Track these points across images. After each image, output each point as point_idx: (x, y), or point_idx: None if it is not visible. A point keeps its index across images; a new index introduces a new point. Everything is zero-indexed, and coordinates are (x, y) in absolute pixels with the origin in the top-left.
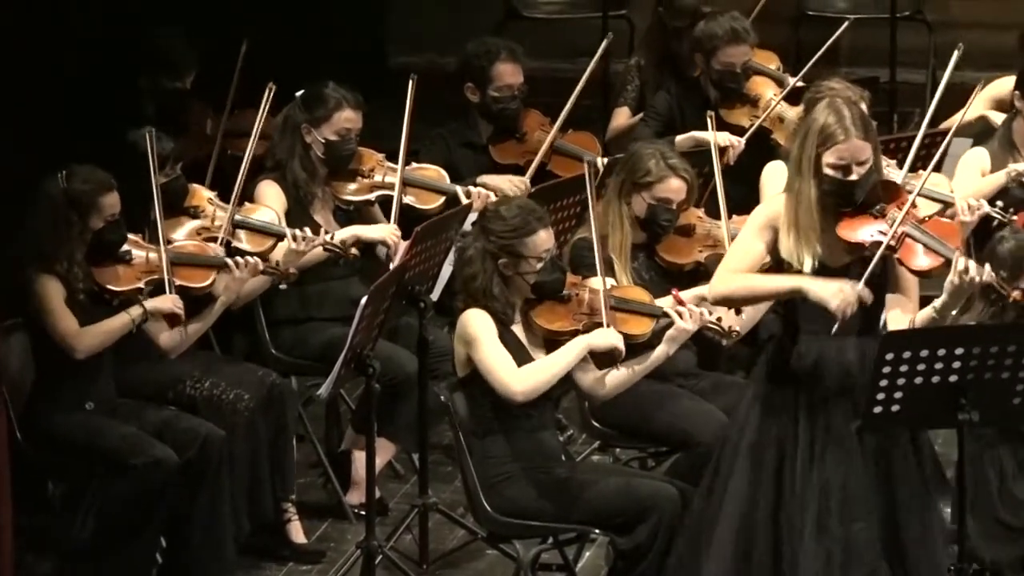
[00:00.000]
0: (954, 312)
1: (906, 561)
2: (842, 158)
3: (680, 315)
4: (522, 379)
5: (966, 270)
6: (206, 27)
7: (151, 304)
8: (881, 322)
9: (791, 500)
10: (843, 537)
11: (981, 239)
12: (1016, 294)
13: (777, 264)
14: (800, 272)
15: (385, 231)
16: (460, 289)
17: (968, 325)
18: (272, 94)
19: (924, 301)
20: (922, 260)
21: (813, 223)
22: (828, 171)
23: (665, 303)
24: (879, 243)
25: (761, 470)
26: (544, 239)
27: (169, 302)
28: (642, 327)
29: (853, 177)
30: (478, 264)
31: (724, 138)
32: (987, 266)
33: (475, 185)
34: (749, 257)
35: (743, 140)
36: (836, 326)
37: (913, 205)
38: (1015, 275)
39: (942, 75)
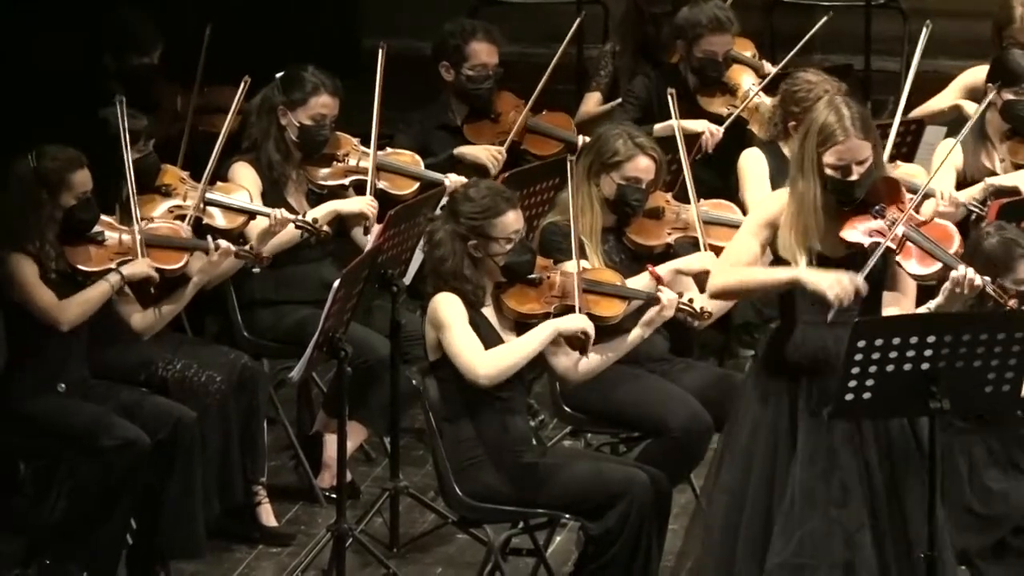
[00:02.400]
0: None
1: (909, 541)
2: (842, 159)
3: (661, 300)
4: (488, 362)
5: (965, 280)
6: (175, 5)
7: (127, 269)
8: None
9: (780, 493)
10: (831, 523)
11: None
12: (1012, 303)
13: (776, 260)
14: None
15: (362, 203)
16: (429, 273)
17: (940, 313)
18: (247, 87)
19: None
20: (922, 267)
21: (816, 222)
22: (828, 171)
23: (642, 280)
24: (877, 244)
25: (753, 466)
26: (513, 220)
27: (144, 266)
28: (614, 309)
29: (853, 177)
30: (448, 247)
31: (703, 125)
32: (985, 276)
33: (452, 157)
34: (746, 254)
35: (722, 129)
36: (832, 313)
37: (914, 209)
38: (1006, 268)
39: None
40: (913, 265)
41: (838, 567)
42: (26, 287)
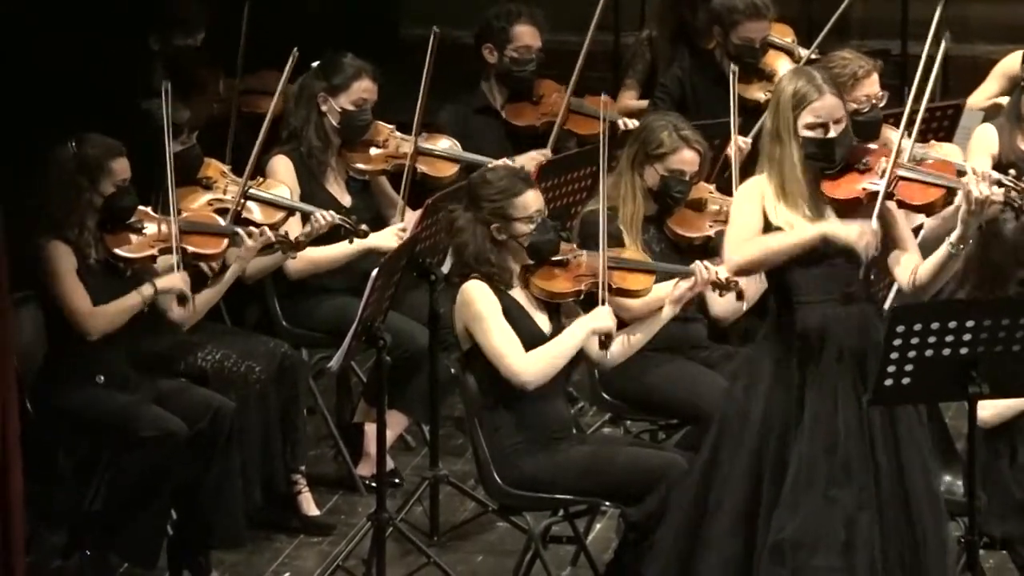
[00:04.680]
0: (969, 243)
1: (914, 525)
2: (819, 116)
3: (697, 272)
4: (531, 367)
5: (978, 195)
6: None
7: (161, 283)
8: (891, 296)
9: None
10: (831, 502)
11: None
12: None
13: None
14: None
15: (392, 239)
16: (455, 261)
17: (979, 299)
18: (296, 60)
19: None
20: (923, 194)
21: (801, 188)
22: (806, 132)
23: (666, 288)
24: (875, 193)
25: (768, 446)
26: (533, 199)
27: (179, 280)
28: (643, 282)
29: (832, 134)
30: (469, 232)
31: (733, 145)
32: (994, 181)
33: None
34: (754, 223)
35: (749, 139)
36: (862, 269)
37: (899, 152)
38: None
39: (953, 47)
40: (916, 197)
41: (835, 547)
42: (62, 285)
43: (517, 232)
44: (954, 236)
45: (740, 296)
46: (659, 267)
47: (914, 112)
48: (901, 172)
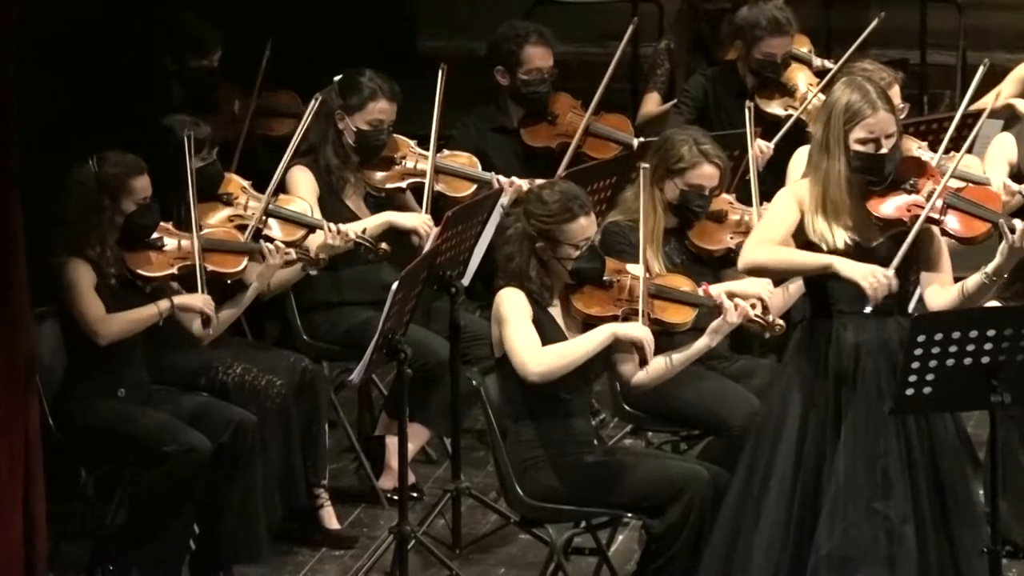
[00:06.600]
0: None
1: (951, 535)
2: (872, 132)
3: (727, 308)
4: (541, 359)
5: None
6: (235, 8)
7: (180, 300)
8: (914, 300)
9: (830, 482)
10: (874, 515)
11: None
12: None
13: (805, 247)
14: (832, 252)
15: (418, 220)
16: (499, 266)
17: (1000, 307)
18: (318, 104)
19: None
20: (968, 227)
21: (844, 202)
22: (857, 147)
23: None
24: (918, 216)
25: (803, 457)
26: (584, 226)
27: (199, 301)
28: (683, 316)
29: (883, 150)
30: (516, 244)
31: (755, 147)
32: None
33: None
34: (782, 227)
35: (772, 145)
36: (868, 307)
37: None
38: None
39: (972, 56)
40: (960, 229)
41: (880, 561)
42: (78, 294)
43: (561, 255)
44: (991, 267)
45: (779, 328)
46: (703, 301)
47: (939, 123)
48: (949, 199)
